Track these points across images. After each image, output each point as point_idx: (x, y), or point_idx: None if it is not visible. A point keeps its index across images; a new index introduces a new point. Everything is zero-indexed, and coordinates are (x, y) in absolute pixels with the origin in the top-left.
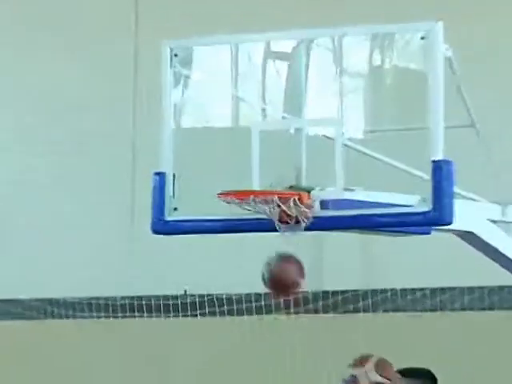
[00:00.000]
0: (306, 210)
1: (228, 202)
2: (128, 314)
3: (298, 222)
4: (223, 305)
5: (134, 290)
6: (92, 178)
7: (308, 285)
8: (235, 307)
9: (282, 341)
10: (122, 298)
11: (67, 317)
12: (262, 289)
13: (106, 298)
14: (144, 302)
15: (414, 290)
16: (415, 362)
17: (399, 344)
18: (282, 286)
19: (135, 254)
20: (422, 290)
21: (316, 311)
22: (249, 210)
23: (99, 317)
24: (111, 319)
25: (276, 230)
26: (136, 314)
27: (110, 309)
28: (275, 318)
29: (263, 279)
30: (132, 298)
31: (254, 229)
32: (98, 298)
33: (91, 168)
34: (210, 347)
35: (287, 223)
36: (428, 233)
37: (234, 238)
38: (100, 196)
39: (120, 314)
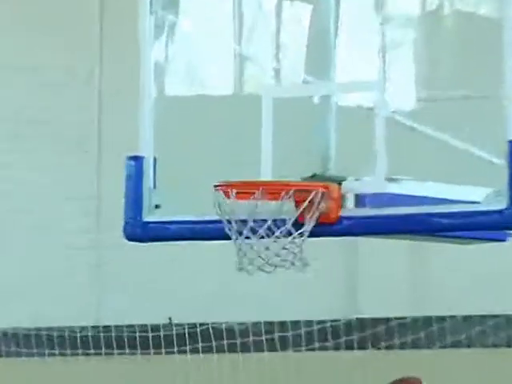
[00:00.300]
0: (336, 207)
1: (228, 197)
2: (92, 349)
3: (323, 224)
4: (222, 338)
5: (100, 318)
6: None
7: (338, 310)
8: (238, 341)
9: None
10: (83, 328)
11: (18, 355)
12: (272, 314)
13: (61, 329)
14: (114, 334)
15: (483, 318)
16: None
17: None
18: None
19: (101, 269)
20: (494, 317)
21: (349, 346)
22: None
23: (50, 354)
24: (68, 357)
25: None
26: (103, 349)
27: (67, 343)
28: (295, 353)
29: None
30: (97, 328)
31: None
32: (49, 329)
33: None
34: None
35: (303, 225)
36: (503, 239)
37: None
38: (55, 190)
39: (80, 351)
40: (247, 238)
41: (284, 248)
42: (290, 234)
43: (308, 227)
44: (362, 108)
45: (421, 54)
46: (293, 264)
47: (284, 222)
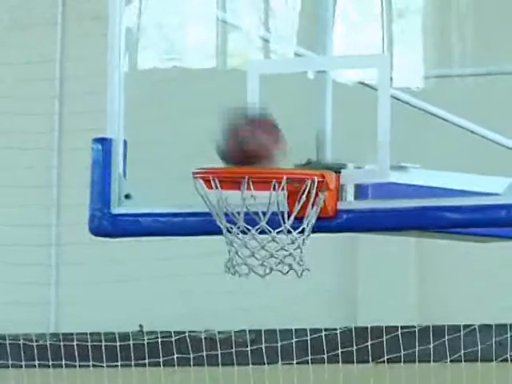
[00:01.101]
0: (333, 199)
1: (210, 187)
2: (53, 360)
3: (319, 218)
4: (201, 348)
5: (60, 324)
6: None
7: (335, 318)
8: (220, 352)
9: None
10: (40, 336)
11: None
12: (259, 322)
13: (15, 337)
14: (76, 343)
15: (502, 328)
16: None
17: None
18: (248, 158)
19: (62, 269)
20: None
21: (347, 359)
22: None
23: (2, 365)
24: (23, 369)
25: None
26: (64, 360)
27: (22, 353)
28: (285, 366)
29: (219, 148)
30: (56, 336)
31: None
32: (1, 337)
33: None
34: None
35: (301, 220)
36: None
37: (215, 241)
38: (10, 178)
39: (37, 362)
40: (242, 233)
41: (282, 248)
42: (281, 229)
43: (310, 222)
44: (363, 86)
45: (430, 25)
46: (291, 268)
47: (274, 216)
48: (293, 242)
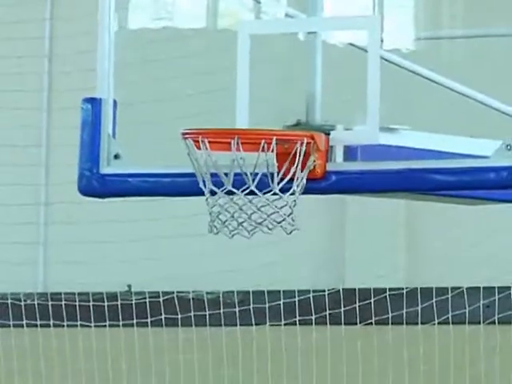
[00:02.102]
0: (323, 161)
1: (199, 148)
2: (41, 320)
3: (308, 179)
4: (189, 309)
5: (48, 284)
6: None
7: (323, 280)
8: (208, 313)
9: (283, 365)
10: (28, 295)
11: None
12: (247, 283)
13: (3, 296)
14: (64, 303)
15: (490, 290)
16: None
17: (475, 377)
18: None
19: (50, 227)
20: (503, 289)
21: (334, 321)
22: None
23: None
24: (11, 328)
25: (274, 193)
26: (52, 320)
27: (10, 312)
28: (273, 328)
29: None
30: (44, 295)
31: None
32: None
33: None
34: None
35: (290, 181)
36: None
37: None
38: None
39: (25, 321)
40: (228, 193)
41: (268, 205)
42: (270, 191)
43: (300, 184)
44: (353, 47)
45: None
46: (281, 226)
47: (263, 176)
48: (282, 203)
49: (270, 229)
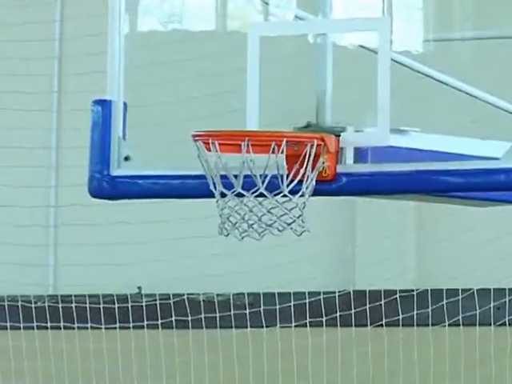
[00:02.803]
0: (333, 163)
1: (209, 150)
2: (51, 322)
3: (318, 181)
4: (200, 311)
5: (59, 286)
6: None
7: (334, 282)
8: (218, 315)
9: (294, 367)
10: (39, 298)
11: None
12: (257, 285)
13: (13, 298)
14: (74, 305)
15: (500, 292)
16: None
17: (485, 378)
18: None
19: (60, 230)
20: None
21: (345, 323)
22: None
23: (0, 327)
24: (21, 331)
25: (284, 195)
26: (63, 322)
27: (21, 314)
28: (283, 329)
29: None
30: (54, 297)
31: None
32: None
33: None
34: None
35: (300, 183)
36: None
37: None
38: (5, 137)
39: (35, 324)
40: (238, 195)
41: (279, 207)
42: (280, 192)
43: (309, 186)
44: (363, 49)
45: None
46: (291, 228)
47: (273, 178)
48: (292, 205)
49: (280, 231)
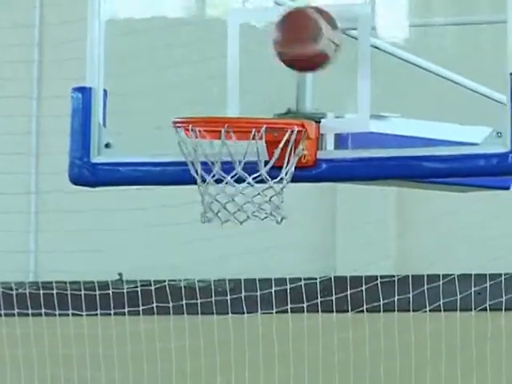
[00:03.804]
0: (313, 149)
1: (189, 137)
2: (32, 309)
3: (299, 168)
4: (181, 297)
5: (39, 272)
6: None
7: (314, 268)
8: (199, 300)
9: (275, 353)
10: (19, 284)
11: None
12: (238, 271)
13: None
14: (55, 292)
15: (481, 277)
16: None
17: (466, 364)
18: (301, 33)
19: (40, 216)
20: (494, 276)
21: (326, 308)
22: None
23: None
24: (2, 318)
25: (263, 181)
26: (44, 309)
27: (1, 301)
28: (264, 316)
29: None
30: (35, 284)
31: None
32: None
33: None
34: (165, 365)
35: (279, 168)
36: (507, 187)
37: (195, 190)
38: None
39: (16, 310)
40: (218, 181)
41: (259, 194)
42: (262, 179)
43: (288, 171)
44: (344, 35)
45: None
46: (270, 214)
47: (253, 165)
48: (272, 192)
49: (261, 219)
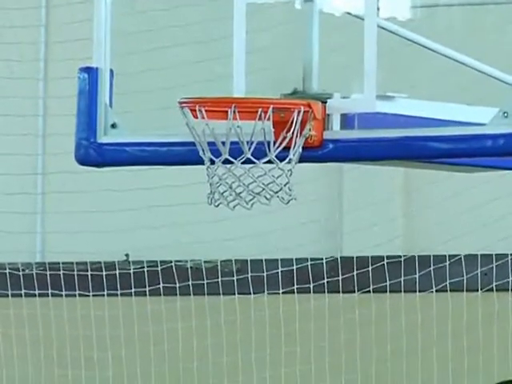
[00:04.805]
0: (319, 129)
1: (196, 117)
2: (39, 289)
3: (305, 148)
4: (187, 278)
5: (46, 253)
6: None
7: (321, 248)
8: (205, 281)
9: (281, 333)
10: (26, 265)
11: None
12: (244, 252)
13: (1, 266)
14: (62, 272)
15: (487, 257)
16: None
17: (473, 344)
18: None
19: (47, 197)
20: (500, 256)
21: (332, 289)
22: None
23: None
24: (9, 298)
25: (270, 162)
26: (51, 289)
27: (8, 282)
28: (271, 296)
29: None
30: (42, 265)
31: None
32: None
33: None
34: (172, 346)
35: (287, 150)
36: None
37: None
38: None
39: (23, 291)
40: (226, 162)
41: (266, 175)
42: (269, 160)
43: (296, 152)
44: (350, 16)
45: None
46: (278, 196)
47: (260, 145)
48: (279, 174)
49: (267, 199)
